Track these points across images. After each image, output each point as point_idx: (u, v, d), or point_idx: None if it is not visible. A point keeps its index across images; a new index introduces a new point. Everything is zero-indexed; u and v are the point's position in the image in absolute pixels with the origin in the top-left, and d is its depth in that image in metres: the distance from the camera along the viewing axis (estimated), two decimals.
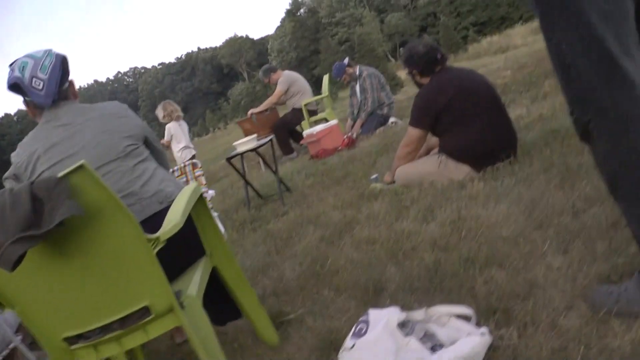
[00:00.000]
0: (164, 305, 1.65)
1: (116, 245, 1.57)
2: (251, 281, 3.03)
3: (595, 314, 1.56)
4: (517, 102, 5.21)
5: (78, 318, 1.65)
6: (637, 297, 1.50)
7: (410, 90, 13.39)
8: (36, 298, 1.65)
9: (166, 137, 6.84)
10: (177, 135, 6.81)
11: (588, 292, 1.67)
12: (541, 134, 3.86)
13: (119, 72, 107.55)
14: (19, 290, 1.64)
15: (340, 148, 6.28)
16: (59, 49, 2.11)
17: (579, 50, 1.42)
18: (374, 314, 1.79)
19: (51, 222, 1.34)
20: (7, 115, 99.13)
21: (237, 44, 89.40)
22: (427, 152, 3.98)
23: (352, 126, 7.03)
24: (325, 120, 7.65)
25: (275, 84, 7.81)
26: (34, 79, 2.00)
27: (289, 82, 7.70)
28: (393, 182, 3.91)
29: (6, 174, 2.07)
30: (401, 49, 62.76)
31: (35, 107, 2.09)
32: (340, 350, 1.78)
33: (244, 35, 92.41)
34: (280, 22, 76.99)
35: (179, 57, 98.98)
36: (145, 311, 1.61)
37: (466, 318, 1.72)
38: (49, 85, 2.02)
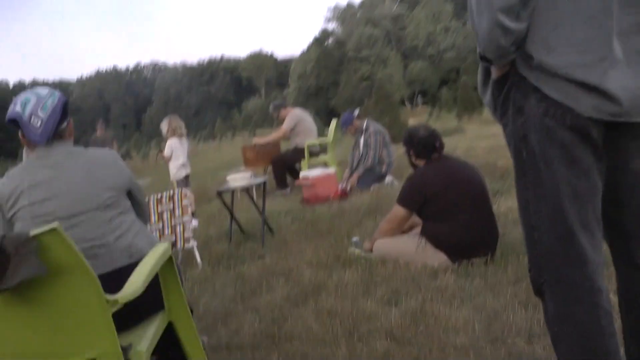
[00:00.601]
0: (112, 358, 1.70)
1: (75, 300, 1.64)
2: (210, 328, 3.08)
3: None
4: (511, 193, 5.26)
5: None
6: None
7: None
8: None
9: (166, 152, 6.92)
10: (177, 152, 6.89)
11: None
12: None
13: (139, 64, 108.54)
14: None
15: (332, 198, 6.35)
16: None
17: (545, 219, 1.53)
18: None
19: (13, 280, 1.39)
20: (20, 83, 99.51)
21: (260, 60, 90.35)
22: (411, 227, 4.04)
23: (349, 177, 7.10)
24: (325, 164, 7.74)
25: (283, 120, 7.94)
26: (33, 117, 2.07)
27: (296, 120, 7.83)
28: (371, 251, 3.97)
29: None
30: (419, 96, 63.54)
31: (29, 142, 2.16)
32: None
33: (269, 53, 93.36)
34: (307, 47, 77.77)
35: (202, 61, 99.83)
36: None
37: None
38: (46, 125, 2.09)
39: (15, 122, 2.10)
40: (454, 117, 26.83)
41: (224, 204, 5.12)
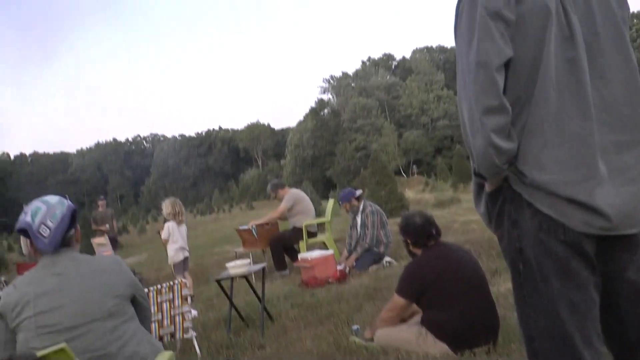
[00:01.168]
0: None
1: None
2: None
3: None
4: (510, 273, 5.27)
5: None
6: None
7: None
8: None
9: (164, 235, 6.95)
10: (175, 236, 6.92)
11: None
12: None
13: (138, 135, 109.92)
14: None
15: (331, 280, 6.34)
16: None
17: (544, 331, 1.56)
18: None
19: None
20: (21, 155, 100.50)
21: (257, 130, 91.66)
22: (412, 314, 4.04)
23: (347, 258, 7.12)
24: (324, 244, 7.77)
25: (281, 200, 8.02)
26: (42, 226, 2.14)
27: (294, 200, 7.93)
28: (372, 339, 3.95)
29: None
30: (414, 166, 64.17)
31: (37, 250, 2.21)
32: None
33: (266, 124, 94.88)
34: (303, 117, 79.15)
35: (200, 132, 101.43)
36: None
37: None
38: (54, 234, 2.16)
39: (25, 232, 2.16)
40: (449, 187, 27.01)
41: (223, 291, 5.12)
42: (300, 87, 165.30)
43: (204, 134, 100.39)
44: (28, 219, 2.15)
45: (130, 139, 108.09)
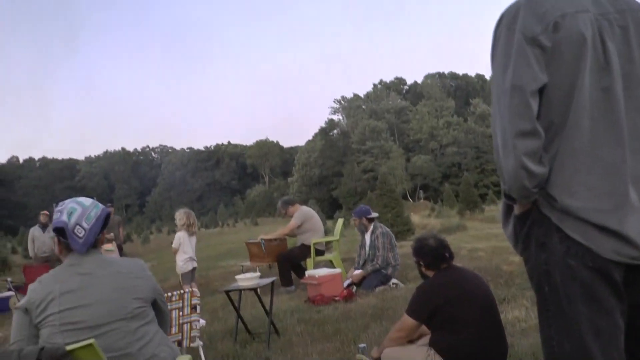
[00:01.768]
0: None
1: None
2: None
3: None
4: (518, 301, 5.27)
5: None
6: None
7: None
8: None
9: (175, 244, 7.00)
10: (185, 246, 6.96)
11: None
12: (534, 347, 3.91)
13: (147, 146, 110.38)
14: None
15: (338, 298, 6.35)
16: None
17: (567, 355, 1.58)
18: None
19: None
20: (30, 159, 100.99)
21: (266, 147, 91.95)
22: (420, 336, 4.04)
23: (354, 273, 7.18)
24: (331, 262, 7.78)
25: (291, 217, 8.06)
26: (77, 227, 2.19)
27: (304, 218, 7.97)
28: (379, 358, 3.95)
29: (19, 304, 2.19)
30: (420, 191, 64.12)
31: (66, 247, 2.25)
32: None
33: (275, 141, 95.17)
34: (313, 136, 79.49)
35: (208, 146, 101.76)
36: None
37: None
38: (89, 235, 2.21)
39: (62, 231, 2.20)
40: (456, 214, 26.97)
41: (231, 302, 5.14)
42: (311, 106, 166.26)
43: (212, 148, 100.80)
44: (64, 218, 2.20)
45: (139, 149, 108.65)
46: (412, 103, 77.87)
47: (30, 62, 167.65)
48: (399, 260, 7.23)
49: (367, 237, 7.27)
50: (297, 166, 76.24)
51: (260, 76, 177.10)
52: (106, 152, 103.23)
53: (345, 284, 6.98)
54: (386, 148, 66.51)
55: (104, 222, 2.30)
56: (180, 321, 4.48)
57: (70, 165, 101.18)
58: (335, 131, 78.78)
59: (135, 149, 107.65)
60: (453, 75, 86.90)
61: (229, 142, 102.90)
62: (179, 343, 4.44)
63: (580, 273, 1.54)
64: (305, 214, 8.08)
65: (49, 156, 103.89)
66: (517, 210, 1.69)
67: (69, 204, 2.26)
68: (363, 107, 78.96)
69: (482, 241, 12.16)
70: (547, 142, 1.57)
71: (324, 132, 77.10)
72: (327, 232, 13.43)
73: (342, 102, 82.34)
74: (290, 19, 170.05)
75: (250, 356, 4.59)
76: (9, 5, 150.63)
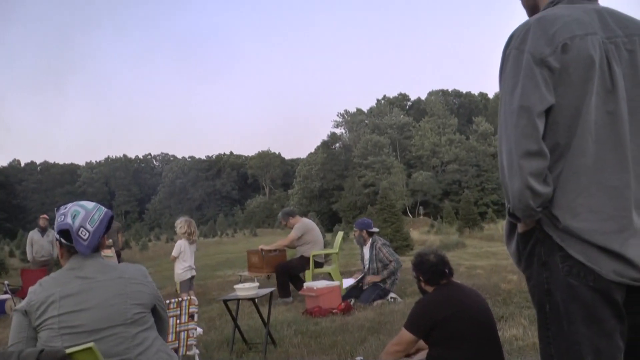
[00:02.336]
0: None
1: None
2: None
3: None
4: (516, 320, 5.26)
5: None
6: None
7: None
8: None
9: (175, 252, 7.00)
10: (185, 254, 6.96)
11: None
12: None
13: (149, 154, 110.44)
14: None
15: (335, 311, 6.34)
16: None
17: None
18: None
19: None
20: (32, 163, 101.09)
21: (267, 158, 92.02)
22: (417, 350, 4.03)
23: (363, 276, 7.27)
24: (330, 275, 7.78)
25: (291, 228, 8.06)
26: (81, 229, 2.20)
27: (304, 230, 7.96)
28: None
29: (18, 306, 2.19)
30: (420, 207, 64.07)
31: (68, 251, 2.25)
32: None
33: (277, 152, 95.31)
34: (314, 149, 79.57)
35: (210, 155, 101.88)
36: None
37: None
38: (93, 237, 2.21)
39: (67, 233, 2.21)
40: (455, 231, 26.96)
41: (229, 311, 5.13)
42: (314, 119, 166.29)
43: (214, 157, 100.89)
44: (69, 220, 2.20)
45: (140, 157, 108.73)
46: (414, 119, 78.00)
47: (34, 67, 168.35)
48: (398, 275, 7.25)
49: (366, 250, 7.29)
50: (297, 178, 76.30)
51: (264, 88, 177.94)
52: (107, 158, 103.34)
53: (351, 282, 7.02)
54: (388, 163, 66.54)
55: (107, 224, 2.31)
56: (178, 329, 4.48)
57: (71, 170, 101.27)
58: (337, 145, 78.87)
59: (137, 156, 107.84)
60: (456, 93, 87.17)
61: (230, 152, 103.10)
62: (176, 351, 4.43)
63: (581, 293, 1.55)
64: (306, 225, 8.08)
65: (51, 160, 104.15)
66: (520, 228, 1.70)
67: (72, 207, 2.27)
68: (366, 121, 79.12)
69: (481, 259, 12.15)
70: (552, 162, 1.59)
71: (326, 145, 77.16)
72: (327, 245, 13.44)
73: (345, 116, 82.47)
74: (296, 33, 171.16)
75: None
76: (11, 7, 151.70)
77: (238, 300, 5.13)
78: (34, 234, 11.60)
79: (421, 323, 3.64)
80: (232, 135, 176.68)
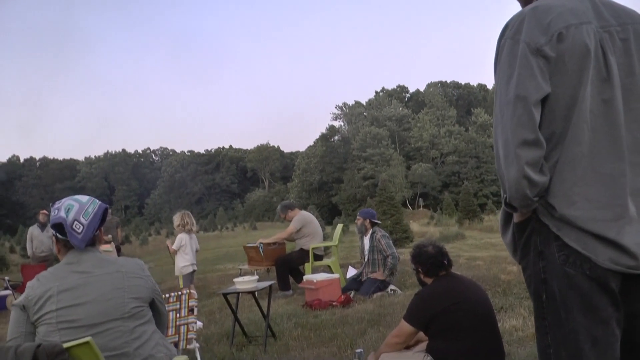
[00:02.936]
0: None
1: None
2: None
3: None
4: (515, 310, 5.27)
5: None
6: None
7: None
8: None
9: (175, 245, 7.01)
10: (186, 248, 6.98)
11: None
12: (531, 356, 3.91)
13: (148, 148, 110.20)
14: None
15: (335, 304, 6.35)
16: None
17: None
18: None
19: None
20: (31, 159, 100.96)
21: (266, 152, 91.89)
22: (417, 342, 4.04)
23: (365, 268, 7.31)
24: (329, 268, 7.78)
25: (290, 221, 8.06)
26: (75, 222, 2.20)
27: (303, 222, 7.97)
28: None
29: (16, 301, 2.20)
30: (420, 199, 64.09)
31: (64, 245, 2.25)
32: None
33: (276, 146, 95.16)
34: (313, 142, 79.47)
35: (209, 149, 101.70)
36: None
37: None
38: (87, 230, 2.21)
39: (60, 227, 2.21)
40: (455, 222, 26.98)
41: (229, 305, 5.14)
42: (312, 112, 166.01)
43: (213, 151, 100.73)
44: (62, 214, 2.21)
45: (139, 151, 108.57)
46: (413, 111, 77.86)
47: (33, 62, 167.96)
48: (397, 268, 7.27)
49: (367, 240, 7.30)
50: (297, 171, 76.23)
51: (262, 81, 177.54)
52: (107, 153, 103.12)
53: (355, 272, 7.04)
54: (387, 155, 66.41)
55: (102, 218, 2.30)
56: (177, 323, 4.47)
57: (70, 166, 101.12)
58: (336, 137, 78.72)
59: (136, 151, 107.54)
60: (455, 85, 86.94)
61: (230, 146, 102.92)
62: (176, 344, 4.43)
63: (578, 282, 1.55)
64: (305, 218, 8.08)
65: (50, 156, 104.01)
66: (516, 218, 1.70)
67: (66, 201, 2.27)
68: (364, 114, 78.96)
69: (481, 250, 12.18)
70: (547, 152, 1.59)
71: (324, 138, 77.04)
72: (326, 237, 13.46)
73: (344, 108, 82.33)
74: (293, 26, 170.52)
75: (246, 359, 4.58)
76: (12, 4, 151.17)
77: (238, 293, 5.13)
78: (33, 230, 11.60)
79: (420, 315, 3.65)
80: (231, 129, 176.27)
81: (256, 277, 5.11)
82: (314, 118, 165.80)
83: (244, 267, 8.50)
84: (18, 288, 9.92)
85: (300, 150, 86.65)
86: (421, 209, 57.34)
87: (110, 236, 12.84)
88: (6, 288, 10.10)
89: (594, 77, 1.57)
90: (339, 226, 8.89)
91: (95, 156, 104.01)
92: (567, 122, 1.58)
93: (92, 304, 2.13)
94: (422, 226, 28.85)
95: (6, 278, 10.45)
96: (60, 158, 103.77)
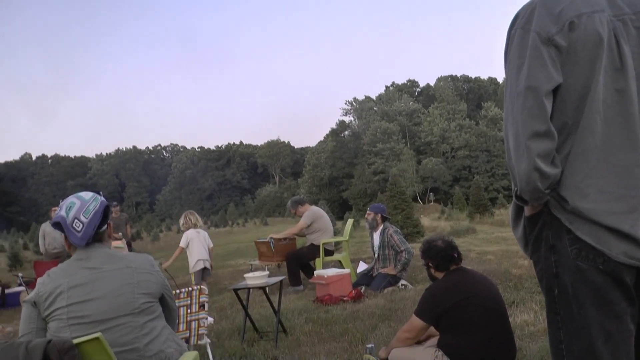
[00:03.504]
0: None
1: None
2: None
3: None
4: (527, 305, 5.23)
5: None
6: None
7: None
8: None
9: (182, 243, 7.05)
10: (194, 244, 7.01)
11: None
12: (543, 351, 3.88)
13: (159, 145, 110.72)
14: None
15: (346, 299, 6.34)
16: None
17: (576, 359, 1.56)
18: None
19: None
20: (43, 156, 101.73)
21: (277, 147, 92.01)
22: (428, 337, 4.03)
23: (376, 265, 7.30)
24: (340, 263, 7.77)
25: (300, 216, 8.07)
26: (75, 221, 2.21)
27: (314, 217, 7.96)
28: (387, 359, 3.94)
29: (27, 297, 2.21)
30: (431, 193, 63.91)
31: (71, 243, 2.27)
32: None
33: (286, 141, 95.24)
34: (324, 137, 79.44)
35: (219, 145, 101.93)
36: None
37: None
38: (87, 228, 2.22)
39: (60, 225, 2.22)
40: (466, 217, 26.86)
41: (240, 300, 5.14)
42: (323, 107, 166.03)
43: (223, 147, 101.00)
44: (62, 213, 2.22)
45: (150, 148, 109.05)
46: (424, 105, 77.60)
47: (44, 60, 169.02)
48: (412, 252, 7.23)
49: (376, 237, 7.27)
50: (307, 167, 76.25)
51: (272, 77, 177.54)
52: (118, 150, 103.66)
53: (367, 267, 7.07)
54: (397, 150, 66.27)
55: (103, 215, 2.30)
56: (188, 318, 4.50)
57: (81, 163, 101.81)
58: (346, 132, 78.67)
59: (147, 147, 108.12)
60: (465, 79, 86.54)
61: (240, 142, 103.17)
62: (187, 340, 4.45)
63: (591, 276, 1.52)
64: (315, 213, 8.08)
65: (61, 153, 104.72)
66: (527, 212, 1.67)
67: (69, 199, 2.29)
68: (375, 108, 78.80)
69: (492, 244, 12.11)
70: (559, 143, 1.56)
71: (335, 133, 77.02)
72: (337, 232, 13.44)
73: (354, 103, 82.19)
74: (304, 22, 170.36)
75: (257, 355, 4.59)
76: (23, 3, 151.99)
77: (249, 289, 5.14)
78: (46, 226, 11.66)
79: (431, 310, 3.63)
80: (241, 124, 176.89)
81: (267, 272, 5.11)
82: (324, 113, 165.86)
83: (255, 262, 8.52)
84: (31, 284, 10.01)
85: (311, 146, 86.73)
86: (432, 203, 57.21)
87: (120, 233, 12.92)
88: (20, 284, 10.19)
89: (607, 66, 1.53)
90: (350, 221, 8.88)
91: (106, 153, 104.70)
92: (580, 112, 1.54)
93: (102, 299, 2.14)
94: (433, 221, 28.76)
95: (19, 274, 10.55)
96: (72, 155, 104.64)
